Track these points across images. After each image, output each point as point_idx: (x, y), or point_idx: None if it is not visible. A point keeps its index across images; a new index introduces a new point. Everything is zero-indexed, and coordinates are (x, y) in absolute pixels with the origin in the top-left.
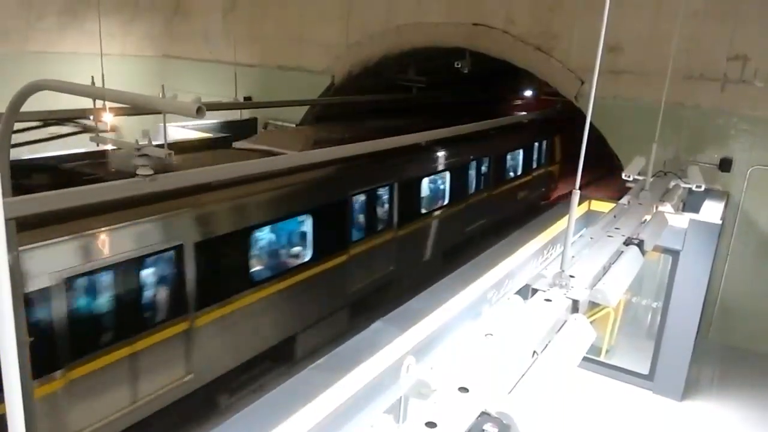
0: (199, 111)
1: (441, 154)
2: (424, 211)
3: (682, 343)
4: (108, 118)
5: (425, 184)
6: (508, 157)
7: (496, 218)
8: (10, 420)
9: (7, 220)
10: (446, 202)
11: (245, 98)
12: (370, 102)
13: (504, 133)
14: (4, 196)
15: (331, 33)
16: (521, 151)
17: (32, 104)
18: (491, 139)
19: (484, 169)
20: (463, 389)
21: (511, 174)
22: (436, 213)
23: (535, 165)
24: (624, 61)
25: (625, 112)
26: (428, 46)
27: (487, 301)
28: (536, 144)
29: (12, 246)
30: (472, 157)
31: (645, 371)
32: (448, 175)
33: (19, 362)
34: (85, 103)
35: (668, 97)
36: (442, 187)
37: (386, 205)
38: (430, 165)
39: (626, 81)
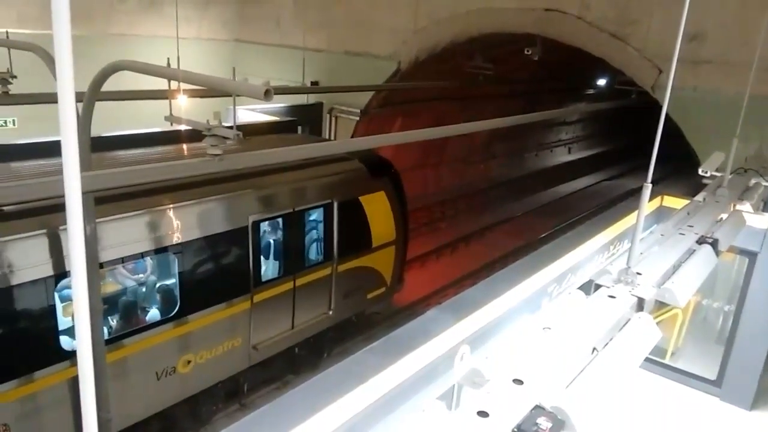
0: (267, 94)
1: None
2: None
3: (755, 350)
4: (182, 99)
5: None
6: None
7: None
8: (82, 384)
9: (85, 193)
10: None
11: (312, 83)
12: (435, 88)
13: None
14: (83, 170)
15: (398, 18)
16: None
17: (112, 84)
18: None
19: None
20: (518, 381)
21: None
22: None
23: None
24: (706, 50)
25: (705, 105)
26: (497, 31)
27: (547, 294)
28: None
29: (90, 218)
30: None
31: (713, 377)
32: None
33: (92, 328)
34: (161, 84)
35: (752, 89)
36: None
37: None
38: None
39: (707, 71)
